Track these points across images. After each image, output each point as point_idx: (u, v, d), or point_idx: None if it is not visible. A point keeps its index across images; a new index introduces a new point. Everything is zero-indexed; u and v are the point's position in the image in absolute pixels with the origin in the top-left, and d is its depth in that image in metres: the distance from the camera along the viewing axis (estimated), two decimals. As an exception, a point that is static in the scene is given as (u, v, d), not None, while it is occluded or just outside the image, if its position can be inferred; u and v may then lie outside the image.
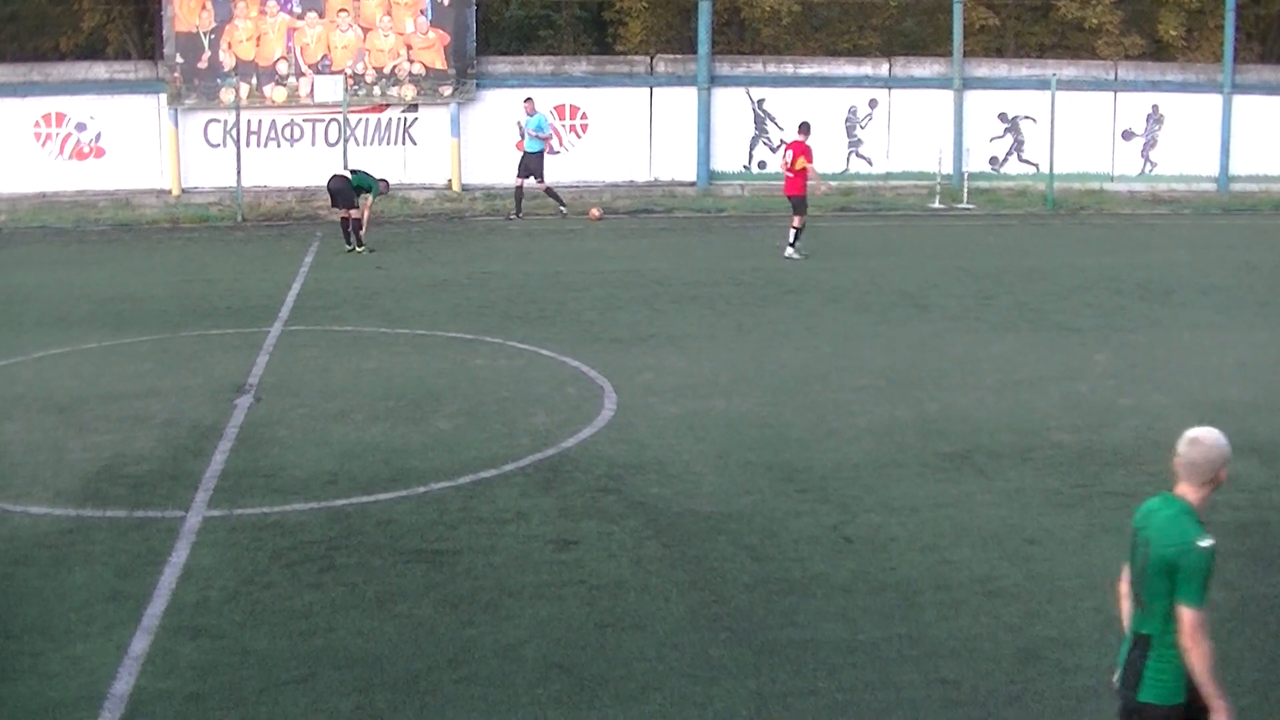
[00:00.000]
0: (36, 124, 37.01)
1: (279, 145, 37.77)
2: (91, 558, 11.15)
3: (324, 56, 37.54)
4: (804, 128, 27.23)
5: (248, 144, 36.92)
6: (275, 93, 37.53)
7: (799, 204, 26.62)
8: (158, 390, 16.66)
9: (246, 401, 15.95)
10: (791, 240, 26.61)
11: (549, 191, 33.94)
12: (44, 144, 36.99)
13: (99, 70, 38.75)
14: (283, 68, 37.54)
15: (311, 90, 37.08)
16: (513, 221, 33.24)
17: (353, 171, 29.14)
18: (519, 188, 33.87)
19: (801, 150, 26.69)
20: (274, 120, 37.85)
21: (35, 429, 15.06)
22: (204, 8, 37.30)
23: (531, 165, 33.96)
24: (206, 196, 35.86)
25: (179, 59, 37.35)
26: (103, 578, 10.70)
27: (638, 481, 12.87)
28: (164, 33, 38.20)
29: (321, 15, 37.47)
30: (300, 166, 36.42)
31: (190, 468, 13.43)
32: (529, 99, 34.88)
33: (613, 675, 8.97)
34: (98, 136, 37.45)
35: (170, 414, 15.48)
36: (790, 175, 26.73)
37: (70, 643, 9.52)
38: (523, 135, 34.92)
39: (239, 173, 34.29)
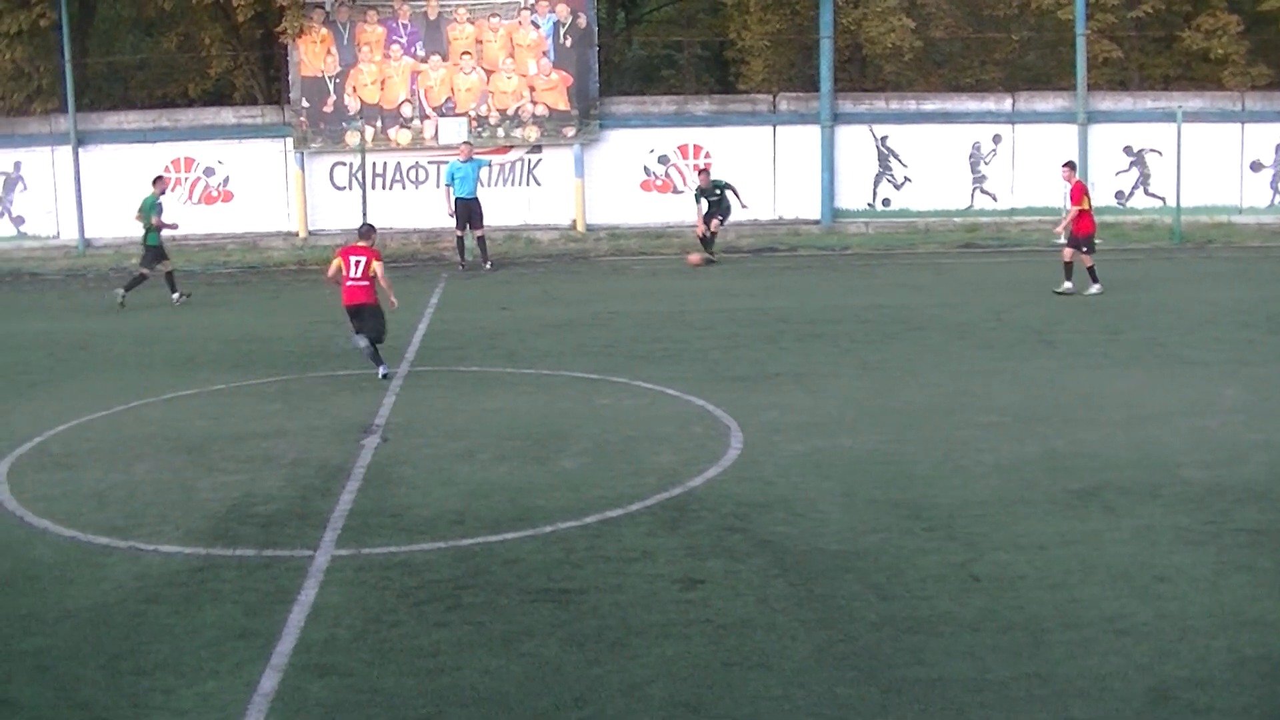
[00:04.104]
0: (166, 169, 37.50)
1: (404, 187, 38.11)
2: (221, 596, 11.24)
3: (448, 99, 37.85)
4: (1071, 165, 27.13)
5: (373, 186, 37.26)
6: (400, 135, 37.89)
7: (1087, 242, 26.37)
8: (286, 430, 16.82)
9: (374, 441, 16.05)
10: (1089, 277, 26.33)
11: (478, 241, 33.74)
12: (173, 188, 37.48)
13: (227, 115, 39.34)
14: (407, 110, 37.88)
15: (436, 132, 37.40)
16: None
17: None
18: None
19: (1080, 190, 26.52)
20: (399, 162, 38.20)
21: (165, 469, 15.24)
22: (329, 52, 37.75)
23: None
24: (333, 238, 36.17)
25: (305, 103, 37.82)
26: (232, 616, 10.77)
27: (764, 520, 12.81)
28: (290, 78, 38.71)
29: (445, 58, 37.82)
30: (425, 208, 36.68)
31: (318, 507, 13.53)
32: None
33: (739, 714, 8.90)
34: (226, 180, 38.03)
35: (298, 454, 15.62)
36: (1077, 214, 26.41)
37: (201, 680, 9.59)
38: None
39: (364, 215, 34.58)
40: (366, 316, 20.26)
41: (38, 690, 9.52)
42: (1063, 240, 27.42)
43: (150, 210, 28.50)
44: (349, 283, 20.38)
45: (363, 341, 20.14)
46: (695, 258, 32.83)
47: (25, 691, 9.49)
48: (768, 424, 16.45)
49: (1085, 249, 26.33)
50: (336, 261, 20.69)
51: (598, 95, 38.64)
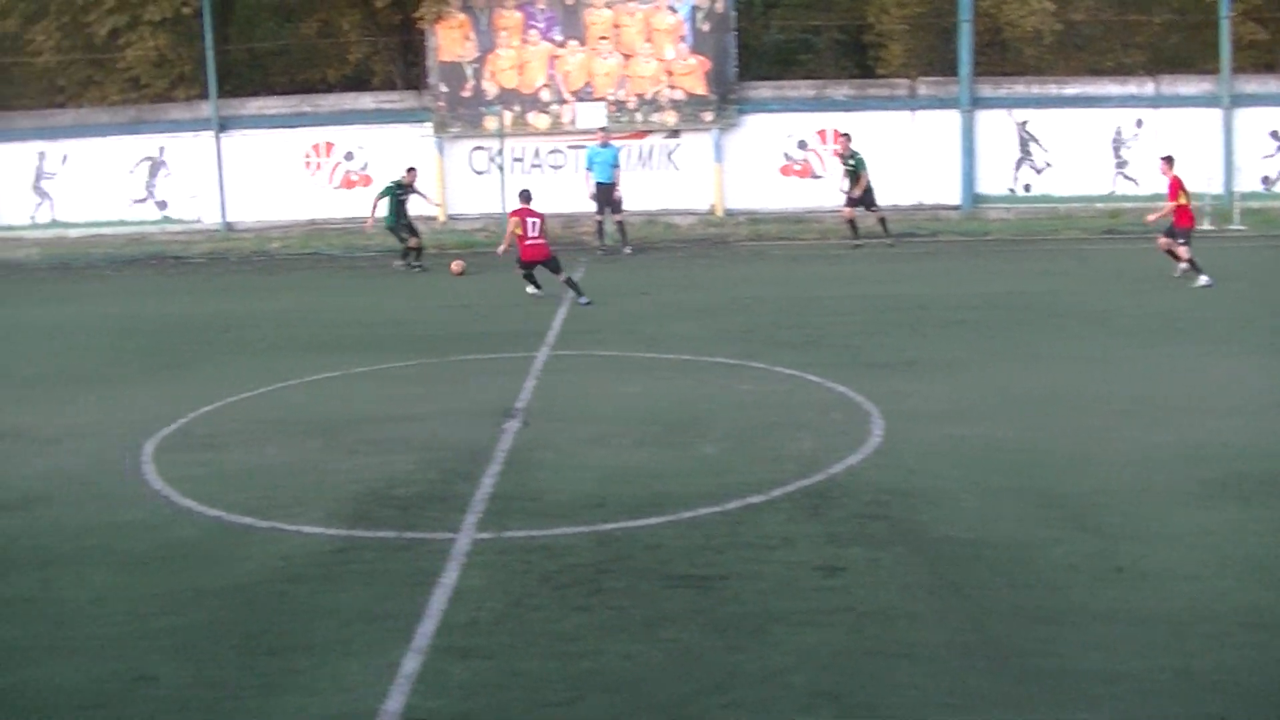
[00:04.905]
0: (307, 154, 37.94)
1: (543, 171, 38.20)
2: (363, 577, 11.31)
3: (586, 84, 37.91)
4: (1169, 160, 26.74)
5: (511, 170, 37.39)
6: (538, 120, 37.99)
7: (1185, 235, 26.02)
8: (426, 413, 16.92)
9: (514, 425, 16.09)
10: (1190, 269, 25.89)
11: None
12: (314, 173, 37.90)
13: (366, 101, 39.68)
14: (545, 95, 37.98)
15: (574, 118, 37.48)
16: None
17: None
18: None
19: (1177, 185, 26.15)
20: (537, 147, 38.32)
21: (307, 451, 15.38)
22: (467, 38, 37.95)
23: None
24: (472, 222, 36.43)
25: (443, 88, 38.03)
26: (373, 597, 10.83)
27: (904, 507, 12.71)
28: (428, 63, 38.91)
29: (583, 43, 37.89)
30: (564, 192, 36.77)
31: (459, 490, 13.57)
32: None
33: (881, 703, 8.83)
34: (365, 165, 38.30)
35: (439, 437, 15.70)
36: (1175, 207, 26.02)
37: (342, 660, 9.64)
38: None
39: (503, 200, 34.72)
40: (548, 264, 25.38)
41: (178, 668, 9.62)
42: (1157, 228, 26.94)
43: (386, 195, 30.86)
44: (529, 241, 25.30)
45: (539, 290, 25.69)
46: (457, 265, 30.85)
47: (166, 669, 9.60)
48: (908, 411, 16.33)
49: (1182, 240, 25.88)
50: (514, 223, 25.38)
51: (736, 80, 38.57)
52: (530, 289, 26.07)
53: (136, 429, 16.56)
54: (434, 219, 37.26)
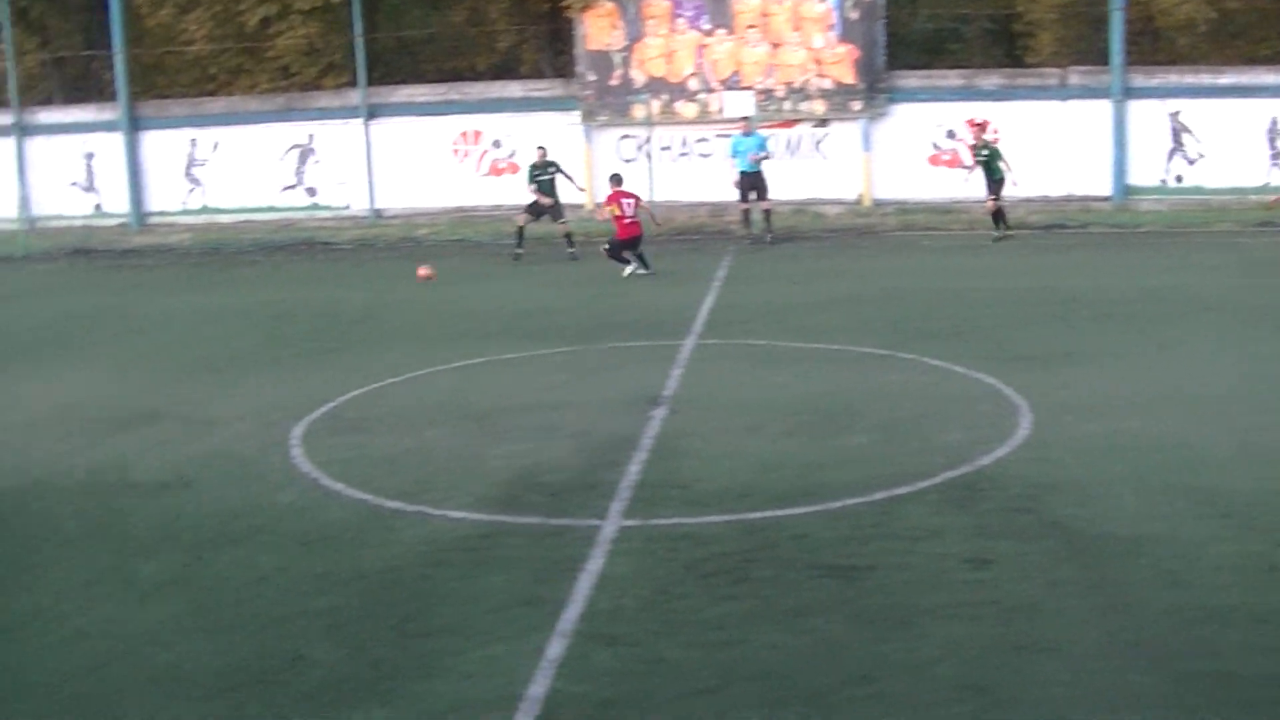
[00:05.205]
0: (455, 141, 38.16)
1: (690, 160, 38.20)
2: (508, 562, 11.36)
3: (734, 72, 37.86)
4: None
5: (659, 159, 37.43)
6: (686, 109, 37.99)
7: None
8: (573, 401, 16.98)
9: (661, 413, 16.10)
10: None
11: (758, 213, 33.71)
12: (462, 160, 38.11)
13: (514, 89, 39.88)
14: (693, 84, 37.97)
15: (722, 106, 37.45)
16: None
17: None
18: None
19: None
20: (684, 136, 38.31)
21: (454, 436, 15.50)
22: (615, 26, 37.98)
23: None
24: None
25: (591, 76, 38.11)
26: (519, 582, 10.88)
27: (1053, 501, 12.56)
28: (576, 51, 39.03)
29: (731, 31, 37.82)
30: (711, 181, 36.73)
31: (606, 477, 13.60)
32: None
33: (1027, 698, 8.73)
34: (512, 153, 38.47)
35: (585, 424, 15.75)
36: None
37: (487, 644, 9.70)
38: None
39: (652, 187, 34.77)
40: (641, 242, 27.87)
41: (330, 648, 9.73)
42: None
43: (532, 181, 32.25)
44: (627, 220, 27.74)
45: (639, 266, 27.77)
46: (424, 270, 28.50)
47: (319, 649, 9.70)
48: (1058, 404, 16.14)
49: None
50: (611, 207, 27.91)
51: (884, 69, 38.37)
52: (627, 269, 27.93)
53: (288, 412, 16.78)
54: (580, 206, 37.40)
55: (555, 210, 31.61)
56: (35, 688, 9.37)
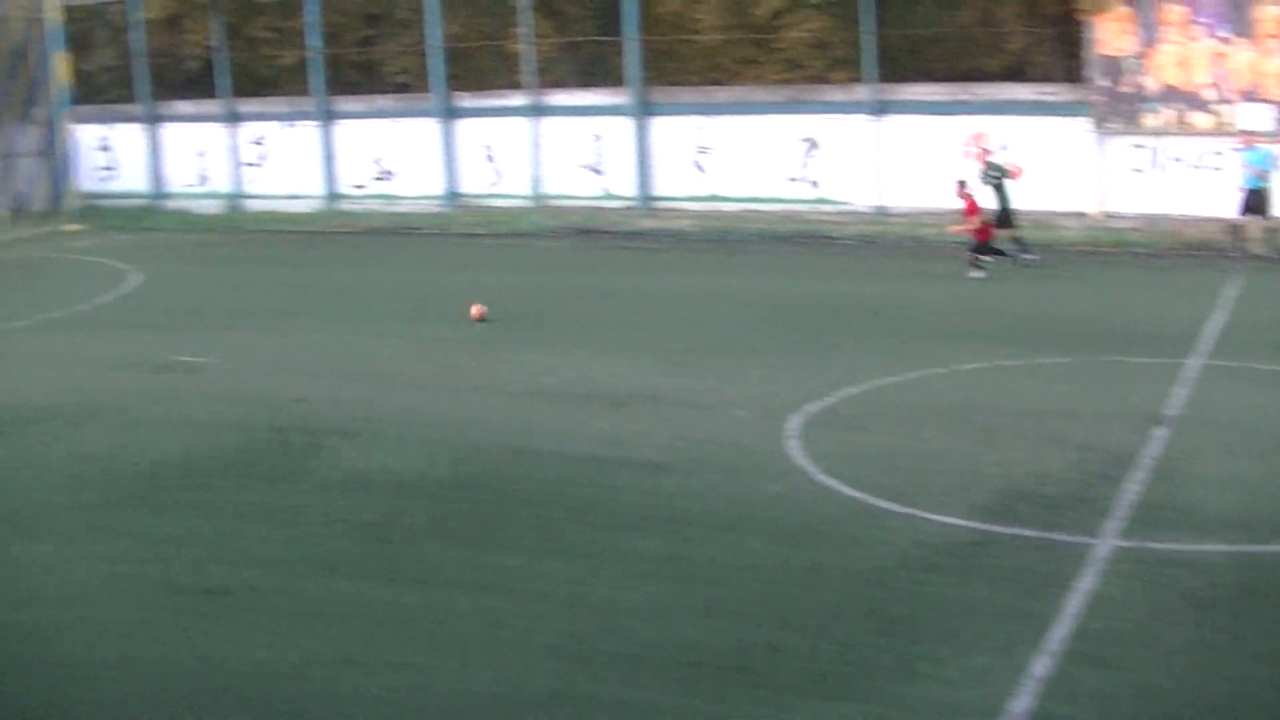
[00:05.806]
0: (966, 142, 37.91)
1: (1202, 173, 37.12)
2: (997, 573, 11.29)
3: (1252, 83, 36.63)
4: None
5: (1171, 170, 36.49)
6: (1199, 119, 36.92)
7: None
8: (1074, 412, 16.66)
9: (1163, 433, 15.63)
10: None
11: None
12: (971, 161, 37.86)
13: (1023, 92, 39.30)
14: (1208, 94, 36.89)
15: (1236, 118, 36.30)
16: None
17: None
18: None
19: None
20: (1199, 148, 37.24)
21: (950, 440, 15.44)
22: (1129, 31, 37.14)
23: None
24: (1129, 222, 35.64)
25: (1102, 82, 37.36)
26: (1008, 595, 10.81)
27: None
28: (1087, 55, 38.32)
29: (1251, 40, 36.57)
30: (1224, 196, 35.60)
31: (1102, 494, 13.34)
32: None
33: None
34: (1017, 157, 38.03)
35: (1085, 437, 15.43)
36: None
37: (971, 654, 9.67)
38: None
39: (1164, 200, 33.93)
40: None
41: (815, 641, 9.88)
42: None
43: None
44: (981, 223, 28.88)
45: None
46: (477, 310, 24.39)
47: (803, 640, 9.90)
48: None
49: None
50: (978, 217, 29.02)
51: None
52: (976, 273, 28.36)
53: (784, 403, 16.97)
54: (1085, 214, 36.71)
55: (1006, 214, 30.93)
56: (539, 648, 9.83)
